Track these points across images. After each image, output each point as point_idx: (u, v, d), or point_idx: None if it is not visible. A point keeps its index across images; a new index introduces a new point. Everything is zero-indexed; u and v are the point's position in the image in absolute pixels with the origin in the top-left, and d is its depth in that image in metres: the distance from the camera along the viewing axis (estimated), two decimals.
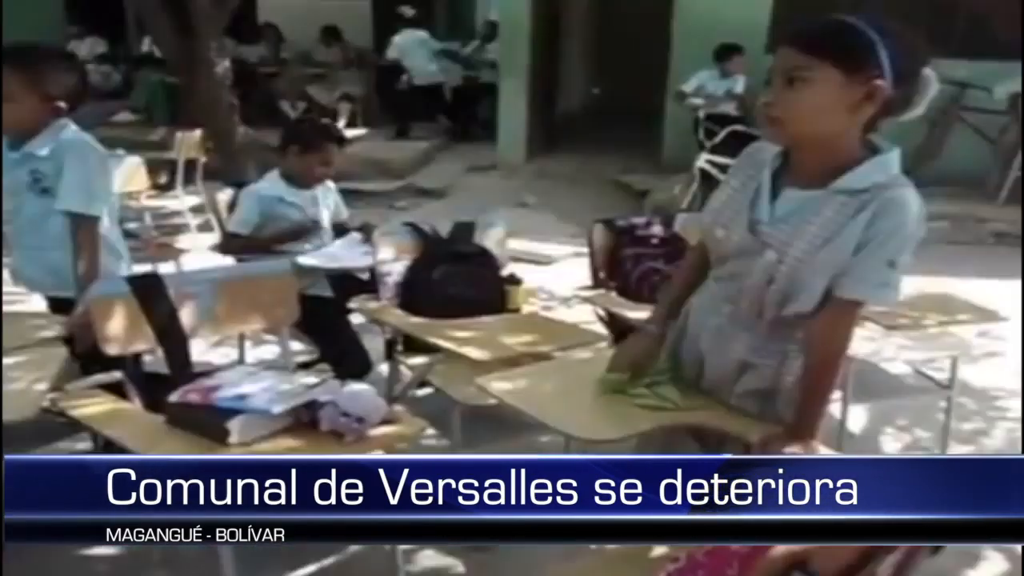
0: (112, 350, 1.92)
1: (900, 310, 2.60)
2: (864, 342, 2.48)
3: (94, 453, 2.04)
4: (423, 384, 2.58)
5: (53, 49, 2.24)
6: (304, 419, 1.70)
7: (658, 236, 2.86)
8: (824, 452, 1.47)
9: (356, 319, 2.87)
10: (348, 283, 2.81)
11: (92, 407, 1.80)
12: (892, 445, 2.99)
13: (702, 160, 5.64)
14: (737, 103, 6.01)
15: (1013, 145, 6.07)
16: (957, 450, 2.91)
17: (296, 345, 2.66)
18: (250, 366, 2.25)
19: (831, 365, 1.49)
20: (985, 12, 5.38)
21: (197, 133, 5.29)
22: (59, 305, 2.19)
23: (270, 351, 3.03)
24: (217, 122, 5.52)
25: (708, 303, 1.64)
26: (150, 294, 1.95)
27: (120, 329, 1.93)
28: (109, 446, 1.72)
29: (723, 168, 5.26)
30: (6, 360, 1.83)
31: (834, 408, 2.54)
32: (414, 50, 8.06)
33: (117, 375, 1.96)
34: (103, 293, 1.95)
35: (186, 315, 2.02)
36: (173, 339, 1.97)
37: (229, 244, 2.87)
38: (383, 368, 2.81)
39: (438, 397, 2.42)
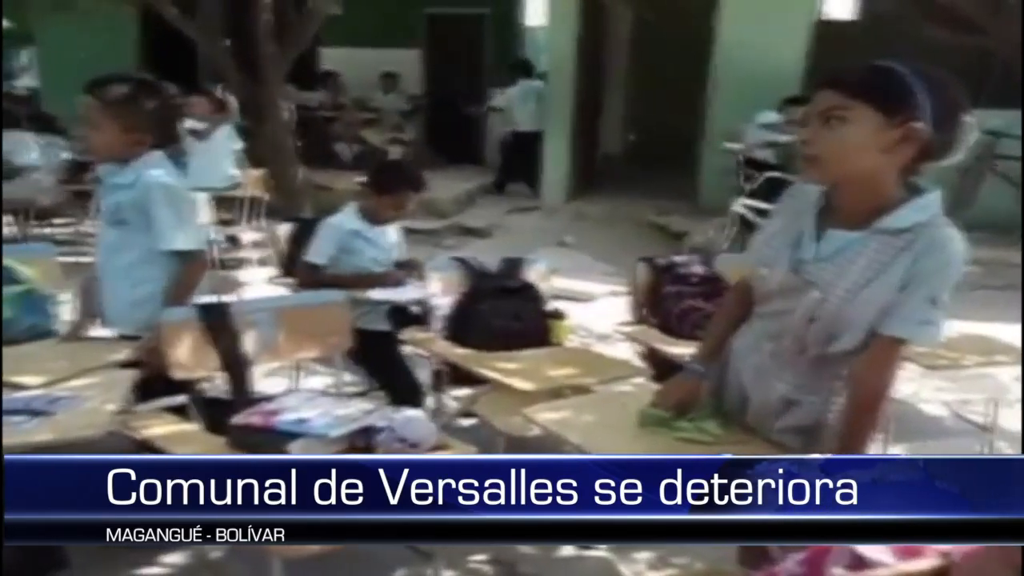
0: (179, 374, 2.03)
1: (939, 350, 2.58)
2: (903, 383, 2.48)
3: None
4: (468, 415, 2.64)
5: (141, 83, 2.21)
6: (359, 444, 1.76)
7: (699, 275, 2.91)
8: None
9: (405, 349, 2.94)
10: (400, 316, 2.90)
11: (157, 428, 1.90)
12: None
13: (739, 204, 5.72)
14: (778, 151, 6.05)
15: None
16: None
17: (346, 375, 2.74)
18: (307, 391, 2.33)
19: (875, 403, 1.49)
20: (1018, 63, 5.39)
21: (261, 172, 5.53)
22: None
23: (321, 381, 3.11)
24: (280, 162, 5.78)
25: (751, 340, 1.66)
26: (217, 322, 2.06)
27: (187, 354, 2.04)
28: None
29: (759, 212, 5.34)
30: (77, 382, 1.94)
31: (874, 450, 2.52)
32: (524, 98, 7.86)
33: (181, 398, 2.06)
34: (173, 320, 2.06)
35: (248, 342, 2.12)
36: (236, 365, 2.08)
37: (308, 275, 2.82)
38: (429, 398, 2.88)
39: (482, 428, 2.47)
